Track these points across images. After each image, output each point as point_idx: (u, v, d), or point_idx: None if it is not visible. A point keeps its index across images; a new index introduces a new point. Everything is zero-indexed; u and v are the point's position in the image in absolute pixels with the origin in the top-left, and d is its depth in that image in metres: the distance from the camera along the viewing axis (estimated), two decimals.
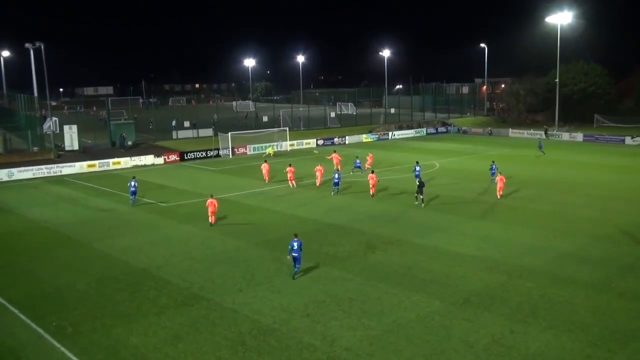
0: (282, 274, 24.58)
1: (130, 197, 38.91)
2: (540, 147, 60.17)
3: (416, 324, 19.38)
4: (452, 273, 24.21)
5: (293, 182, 40.66)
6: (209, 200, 33.29)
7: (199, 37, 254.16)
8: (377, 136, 78.63)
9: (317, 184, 44.17)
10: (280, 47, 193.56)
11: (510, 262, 25.43)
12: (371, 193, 40.33)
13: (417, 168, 43.60)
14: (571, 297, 21.38)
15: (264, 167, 46.48)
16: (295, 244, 23.54)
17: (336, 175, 41.63)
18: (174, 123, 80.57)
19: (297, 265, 23.87)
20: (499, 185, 38.83)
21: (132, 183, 38.91)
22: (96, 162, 55.81)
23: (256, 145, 65.53)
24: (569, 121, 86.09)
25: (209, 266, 25.86)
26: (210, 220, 33.36)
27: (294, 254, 23.58)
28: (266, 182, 45.92)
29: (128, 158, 57.79)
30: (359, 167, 49.87)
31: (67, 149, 64.19)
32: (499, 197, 38.63)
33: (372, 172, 42.14)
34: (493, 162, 45.42)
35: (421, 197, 37.13)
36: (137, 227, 33.18)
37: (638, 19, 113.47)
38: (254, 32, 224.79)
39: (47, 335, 19.13)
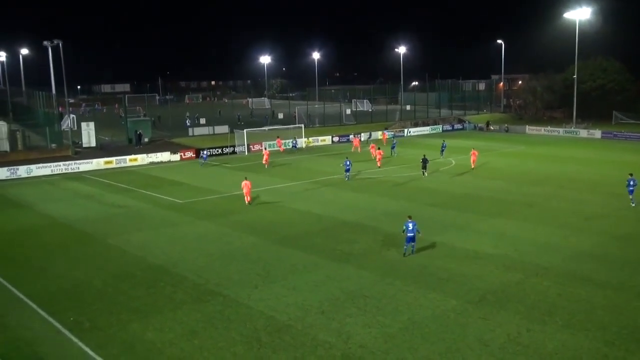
0: (298, 271, 24.62)
1: (203, 160, 55.29)
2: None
3: (431, 322, 19.32)
4: (467, 271, 24.10)
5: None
6: (244, 182, 37.16)
7: (215, 35, 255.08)
8: (392, 133, 78.36)
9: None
10: (295, 44, 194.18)
11: (527, 260, 25.26)
12: (378, 165, 50.42)
13: (444, 144, 57.10)
14: (589, 296, 21.18)
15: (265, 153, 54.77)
16: (411, 225, 25.40)
17: (348, 162, 45.66)
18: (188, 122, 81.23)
19: (407, 244, 25.77)
20: (473, 158, 49.25)
21: (205, 152, 56.54)
22: (113, 158, 56.25)
23: (272, 142, 65.64)
24: (587, 118, 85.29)
25: (225, 263, 25.96)
26: (246, 200, 36.98)
27: (409, 234, 25.39)
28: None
29: (144, 155, 58.13)
30: (295, 146, 63.89)
31: (84, 145, 64.77)
32: (472, 167, 48.74)
33: (379, 148, 52.47)
34: (444, 140, 59.02)
35: (424, 170, 46.33)
36: (153, 224, 33.38)
37: None
38: (270, 29, 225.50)
39: (64, 330, 19.32)
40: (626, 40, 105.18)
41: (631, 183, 34.73)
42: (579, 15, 76.07)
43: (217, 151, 62.36)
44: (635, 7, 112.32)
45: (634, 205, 34.53)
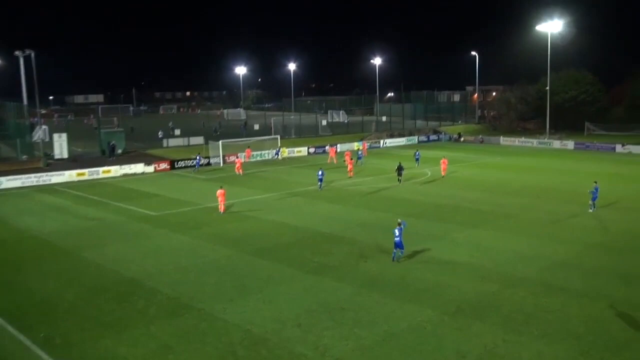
0: (273, 283, 24.47)
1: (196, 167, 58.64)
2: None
3: (408, 334, 19.30)
4: (444, 282, 24.18)
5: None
6: (219, 191, 38.08)
7: (191, 45, 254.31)
8: (368, 144, 78.60)
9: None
10: (272, 55, 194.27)
11: (503, 271, 25.43)
12: (350, 175, 51.25)
13: (417, 154, 59.52)
14: (564, 306, 21.37)
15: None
16: (397, 231, 26.22)
17: (321, 172, 46.51)
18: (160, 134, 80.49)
19: (395, 250, 26.55)
20: (443, 166, 51.41)
21: (198, 158, 59.48)
22: (86, 170, 55.50)
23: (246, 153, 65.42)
24: (560, 129, 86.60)
25: (199, 275, 25.72)
26: (220, 209, 37.82)
27: (395, 239, 26.24)
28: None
29: (118, 167, 57.50)
30: (277, 153, 67.03)
31: (56, 157, 63.85)
32: (443, 175, 50.71)
33: (352, 158, 54.64)
34: (417, 150, 61.84)
35: (399, 177, 48.08)
36: (127, 236, 33.00)
37: (628, 26, 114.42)
38: (246, 39, 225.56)
39: (35, 347, 18.90)
40: (597, 52, 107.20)
41: (594, 190, 36.70)
42: (551, 28, 77.44)
43: (192, 162, 61.88)
44: (605, 19, 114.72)
45: (591, 211, 36.40)
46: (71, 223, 36.86)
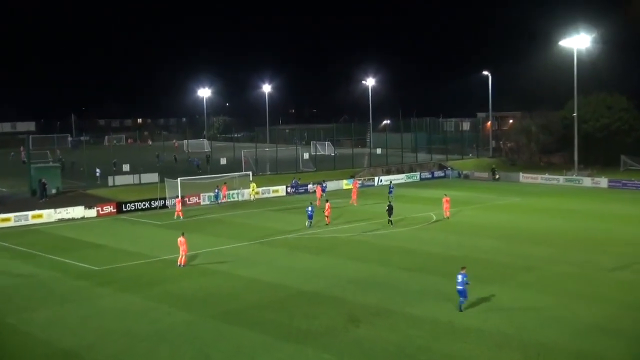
0: (244, 354, 24.23)
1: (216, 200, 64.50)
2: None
3: None
4: (453, 352, 24.04)
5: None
6: (180, 239, 38.13)
7: (143, 62, 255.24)
8: (360, 182, 78.87)
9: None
10: (242, 74, 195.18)
11: (525, 337, 25.35)
12: (327, 222, 51.09)
13: (391, 186, 65.33)
14: None
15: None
16: (460, 277, 28.55)
17: (309, 208, 50.45)
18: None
19: (461, 299, 28.64)
20: (445, 206, 53.32)
21: (216, 190, 64.83)
22: (11, 215, 54.98)
23: (211, 194, 65.32)
24: (591, 163, 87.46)
25: (152, 345, 25.41)
26: (180, 262, 37.96)
27: (458, 287, 28.42)
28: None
29: (52, 210, 57.05)
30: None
31: None
32: (446, 216, 52.98)
33: (327, 201, 53.58)
34: (391, 182, 68.79)
35: (390, 219, 50.31)
36: (62, 297, 32.62)
37: None
38: (211, 56, 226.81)
39: None
40: (633, 72, 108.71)
41: None
42: (577, 44, 78.56)
43: (144, 205, 61.57)
44: None
45: None
46: None
